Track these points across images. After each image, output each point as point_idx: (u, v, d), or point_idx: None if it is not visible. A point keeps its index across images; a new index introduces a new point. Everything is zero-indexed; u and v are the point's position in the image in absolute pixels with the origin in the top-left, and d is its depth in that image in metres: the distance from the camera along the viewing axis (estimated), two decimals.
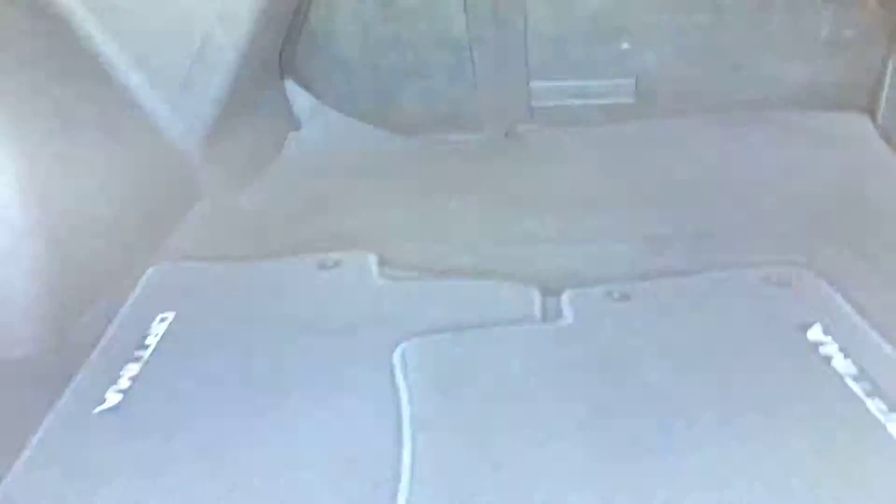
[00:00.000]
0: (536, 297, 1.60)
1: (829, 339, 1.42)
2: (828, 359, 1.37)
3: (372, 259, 1.78)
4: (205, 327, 1.60)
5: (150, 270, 1.77)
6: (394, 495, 1.07)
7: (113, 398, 1.33)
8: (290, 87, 2.44)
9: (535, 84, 2.39)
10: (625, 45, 2.25)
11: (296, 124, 2.47)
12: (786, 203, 1.95)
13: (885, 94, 2.14)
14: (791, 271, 1.65)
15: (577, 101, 2.41)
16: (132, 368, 1.41)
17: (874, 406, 1.23)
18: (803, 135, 2.20)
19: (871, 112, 2.20)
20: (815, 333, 1.44)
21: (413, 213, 2.09)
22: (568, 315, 1.54)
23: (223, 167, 2.15)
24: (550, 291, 1.64)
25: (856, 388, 1.28)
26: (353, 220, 2.07)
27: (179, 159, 2.05)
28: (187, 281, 1.77)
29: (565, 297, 1.60)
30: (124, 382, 1.37)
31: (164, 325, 1.57)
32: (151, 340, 1.50)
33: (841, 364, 1.35)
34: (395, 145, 2.50)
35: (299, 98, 2.46)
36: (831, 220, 1.86)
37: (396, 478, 1.10)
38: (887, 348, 1.38)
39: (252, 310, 1.66)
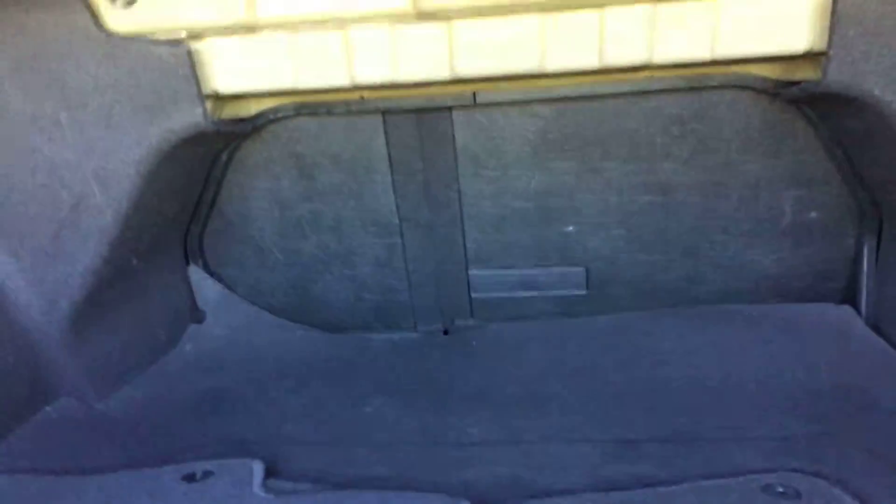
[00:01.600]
0: None
1: None
2: None
3: (256, 468, 1.41)
4: None
5: None
6: None
7: None
8: (195, 273, 2.14)
9: (475, 273, 2.13)
10: (570, 228, 2.03)
11: (198, 316, 2.13)
12: (773, 403, 1.64)
13: (864, 279, 1.91)
14: (798, 479, 1.30)
15: (523, 293, 2.14)
16: None
17: None
18: (778, 328, 1.93)
19: (852, 301, 1.95)
20: None
21: (322, 415, 1.72)
22: None
23: (91, 360, 1.77)
24: None
25: None
26: (245, 425, 1.69)
27: (33, 345, 1.67)
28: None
29: None
30: None
31: None
32: None
33: None
34: (314, 343, 2.16)
35: (205, 287, 2.14)
36: (833, 420, 1.54)
37: None
38: None
39: None
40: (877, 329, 1.86)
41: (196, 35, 1.60)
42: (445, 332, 2.25)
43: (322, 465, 1.50)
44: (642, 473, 1.41)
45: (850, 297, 1.97)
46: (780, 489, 1.26)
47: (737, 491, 1.27)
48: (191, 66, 1.57)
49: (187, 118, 1.61)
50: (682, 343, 1.94)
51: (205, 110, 1.61)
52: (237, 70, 1.65)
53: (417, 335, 2.25)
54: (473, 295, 2.17)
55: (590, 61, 1.59)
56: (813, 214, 1.93)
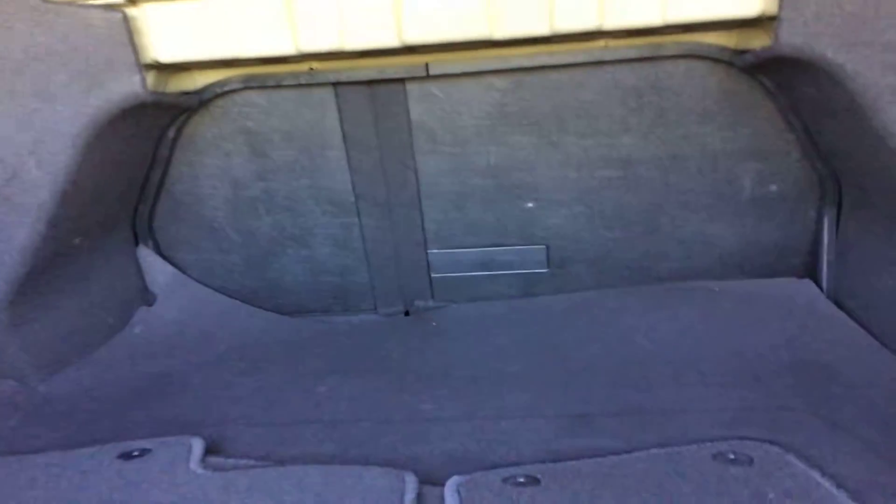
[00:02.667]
0: (411, 485, 1.21)
1: None
2: None
3: (196, 445, 1.35)
4: None
5: None
6: None
7: None
8: (145, 255, 2.07)
9: (435, 252, 2.09)
10: (530, 205, 1.99)
11: (149, 299, 2.07)
12: (733, 377, 1.61)
13: (824, 252, 1.89)
14: (751, 447, 1.27)
15: (484, 273, 2.10)
16: None
17: None
18: (740, 304, 1.90)
19: (813, 275, 1.93)
20: None
21: (273, 396, 1.67)
22: None
23: (32, 341, 1.71)
24: (431, 478, 1.25)
25: None
26: (192, 407, 1.63)
27: None
28: None
29: (450, 485, 1.21)
30: None
31: None
32: None
33: None
34: (270, 326, 2.11)
35: (155, 268, 2.08)
36: (792, 392, 1.52)
37: None
38: None
39: None
40: (838, 302, 1.85)
41: (132, 0, 1.54)
42: (406, 314, 2.21)
43: (269, 443, 1.45)
44: (596, 446, 1.37)
45: (811, 271, 1.96)
46: (732, 456, 1.24)
47: (687, 458, 1.24)
48: (127, 32, 1.52)
49: (125, 88, 1.54)
50: (644, 320, 1.91)
51: (143, 79, 1.55)
52: (177, 37, 1.59)
53: (378, 317, 2.20)
54: (433, 275, 2.13)
55: (540, 27, 1.55)
56: (773, 188, 1.91)
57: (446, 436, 1.45)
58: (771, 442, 1.28)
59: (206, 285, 2.15)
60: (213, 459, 1.32)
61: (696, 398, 1.54)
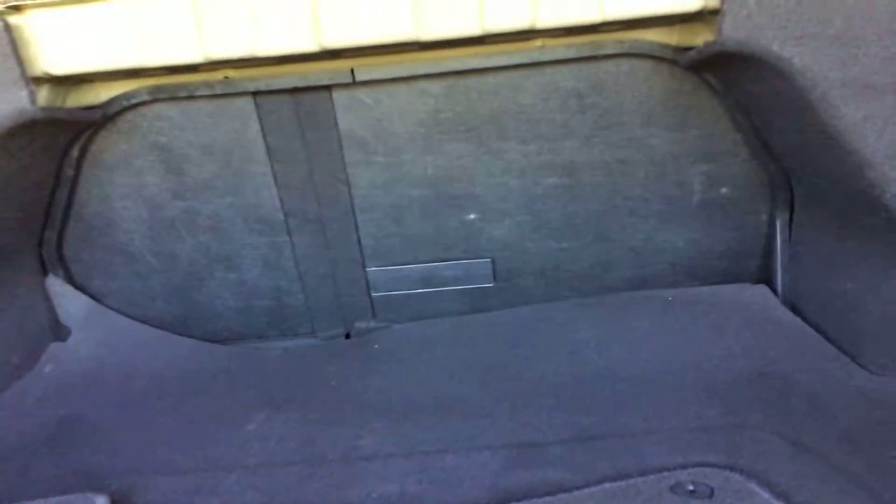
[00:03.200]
0: None
1: None
2: None
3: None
4: None
5: None
6: None
7: None
8: (55, 285, 1.90)
9: (373, 270, 1.96)
10: (472, 216, 1.88)
11: (61, 333, 1.89)
12: (689, 393, 1.52)
13: (778, 255, 1.82)
14: (711, 475, 1.18)
15: (427, 289, 1.98)
16: None
17: None
18: (694, 313, 1.82)
19: (768, 280, 1.86)
20: None
21: (195, 438, 1.52)
22: None
23: None
24: None
25: None
26: (104, 455, 1.47)
27: None
28: None
29: None
30: None
31: None
32: None
33: None
34: (198, 356, 1.95)
35: (67, 300, 1.91)
36: (750, 407, 1.43)
37: None
38: None
39: None
40: (793, 307, 1.77)
41: (15, 7, 1.38)
42: (347, 336, 2.07)
43: (183, 494, 1.31)
44: (546, 479, 1.26)
45: (766, 275, 1.88)
46: (691, 487, 1.14)
47: (644, 492, 1.14)
48: (9, 42, 1.36)
49: (10, 104, 1.38)
50: (596, 333, 1.81)
51: (31, 94, 1.39)
52: (71, 47, 1.43)
53: (316, 341, 2.07)
54: (374, 294, 2.00)
55: (469, 27, 1.44)
56: (723, 190, 1.83)
57: (383, 476, 1.32)
58: (731, 468, 1.19)
59: (125, 315, 1.98)
60: None
61: (652, 419, 1.44)
